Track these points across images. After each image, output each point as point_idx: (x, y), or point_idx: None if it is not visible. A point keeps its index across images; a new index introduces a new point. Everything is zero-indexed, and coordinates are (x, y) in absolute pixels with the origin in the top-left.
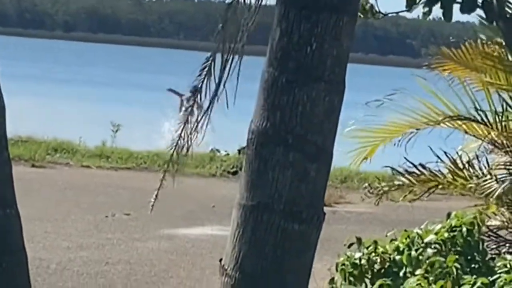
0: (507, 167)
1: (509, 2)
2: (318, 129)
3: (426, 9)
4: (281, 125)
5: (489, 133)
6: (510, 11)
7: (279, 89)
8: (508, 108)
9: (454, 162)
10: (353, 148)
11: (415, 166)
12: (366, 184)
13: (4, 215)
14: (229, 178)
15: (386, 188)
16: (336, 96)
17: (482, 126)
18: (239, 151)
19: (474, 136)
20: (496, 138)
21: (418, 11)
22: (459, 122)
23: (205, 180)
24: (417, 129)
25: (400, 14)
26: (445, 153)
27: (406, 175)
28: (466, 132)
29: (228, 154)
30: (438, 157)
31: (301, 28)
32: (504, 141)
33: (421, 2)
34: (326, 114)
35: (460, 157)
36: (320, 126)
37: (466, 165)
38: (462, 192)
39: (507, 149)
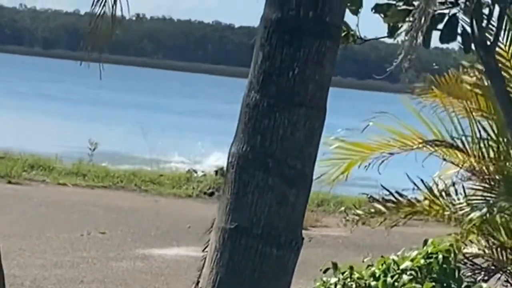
0: (484, 194)
1: (490, 30)
2: (298, 153)
3: (408, 37)
4: (261, 149)
5: (467, 160)
6: (490, 39)
7: (260, 113)
8: (487, 135)
9: (430, 190)
10: (328, 158)
11: (391, 193)
12: (343, 209)
13: None
14: (206, 199)
15: (362, 215)
16: (316, 121)
17: (460, 152)
18: (216, 172)
19: (451, 162)
20: (474, 165)
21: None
22: (437, 148)
23: (182, 200)
24: (391, 153)
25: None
26: (422, 180)
27: (383, 203)
28: (444, 159)
29: (205, 175)
30: (415, 184)
31: (283, 52)
32: (482, 168)
33: (402, 29)
34: (306, 138)
35: (437, 184)
36: (300, 150)
37: (443, 193)
38: (439, 219)
39: (485, 176)
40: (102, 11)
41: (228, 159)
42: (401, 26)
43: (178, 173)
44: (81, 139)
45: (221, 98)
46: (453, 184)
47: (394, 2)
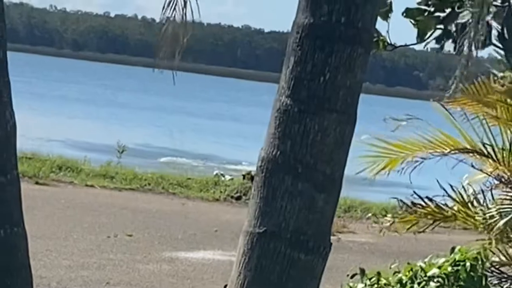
0: None
1: None
2: (328, 159)
3: (438, 45)
4: (291, 154)
5: (497, 168)
6: None
7: (290, 118)
8: None
9: (460, 196)
10: (364, 155)
11: (421, 198)
12: (370, 215)
13: (11, 233)
14: (233, 203)
15: (391, 221)
16: (347, 126)
17: (490, 160)
18: (243, 176)
19: (481, 170)
20: (503, 173)
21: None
22: (468, 155)
23: (209, 204)
24: (423, 158)
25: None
26: (451, 186)
27: (412, 207)
28: (473, 166)
29: (232, 179)
30: (444, 189)
31: (315, 57)
32: (510, 177)
33: (432, 36)
34: (336, 144)
35: (466, 190)
36: (330, 156)
37: (472, 199)
38: (466, 226)
39: None
40: (173, 16)
41: (258, 163)
42: (432, 32)
43: (206, 177)
44: (110, 141)
45: (250, 102)
46: (482, 191)
47: (425, 8)
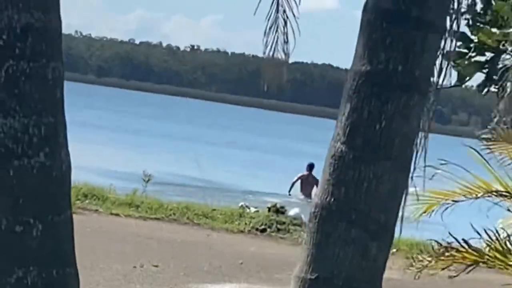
0: None
1: None
2: (382, 206)
3: (483, 88)
4: (345, 201)
5: None
6: None
7: (345, 165)
8: None
9: (495, 241)
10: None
11: (457, 240)
12: (395, 250)
13: (64, 273)
14: (257, 235)
15: (428, 260)
16: (401, 174)
17: None
18: (268, 209)
19: None
20: None
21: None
22: (502, 198)
23: (234, 235)
24: (454, 201)
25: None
26: (485, 230)
27: (449, 250)
28: (509, 210)
29: (257, 211)
30: (478, 233)
31: (371, 105)
32: None
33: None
34: (390, 192)
35: (500, 234)
36: (384, 204)
37: (507, 242)
38: (503, 268)
39: None
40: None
41: (311, 209)
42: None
43: (231, 208)
44: (135, 168)
45: (273, 132)
46: None
47: (465, 51)
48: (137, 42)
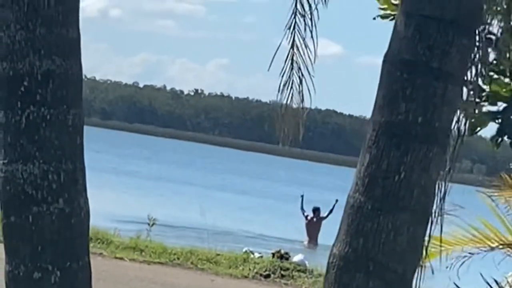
0: None
1: None
2: (400, 258)
3: (497, 140)
4: (363, 252)
5: None
6: None
7: (363, 215)
8: None
9: None
10: None
11: None
12: None
13: None
14: (261, 281)
15: None
16: (420, 226)
17: None
18: (273, 254)
19: None
20: None
21: None
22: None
23: (238, 281)
24: (471, 253)
25: None
26: (495, 281)
27: None
28: None
29: (261, 257)
30: (488, 283)
31: (390, 155)
32: None
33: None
34: (409, 243)
35: (510, 285)
36: (402, 255)
37: None
38: None
39: None
40: (290, 99)
41: (329, 259)
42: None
43: (235, 253)
44: (139, 212)
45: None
46: None
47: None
48: (141, 85)
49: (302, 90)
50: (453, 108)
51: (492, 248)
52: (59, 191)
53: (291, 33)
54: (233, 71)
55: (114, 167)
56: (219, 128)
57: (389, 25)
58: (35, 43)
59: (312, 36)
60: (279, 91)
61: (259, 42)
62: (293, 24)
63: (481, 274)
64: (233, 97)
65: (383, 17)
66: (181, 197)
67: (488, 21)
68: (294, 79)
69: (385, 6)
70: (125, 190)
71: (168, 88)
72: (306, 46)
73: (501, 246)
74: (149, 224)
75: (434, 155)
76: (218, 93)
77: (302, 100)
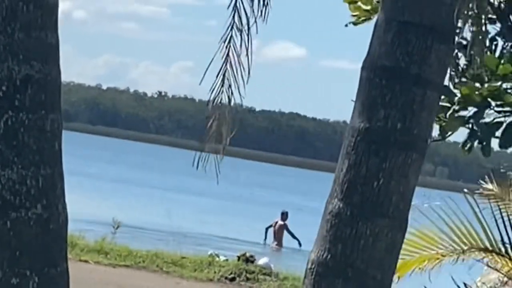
0: None
1: None
2: (378, 264)
3: (467, 145)
4: (342, 258)
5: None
6: None
7: (342, 221)
8: None
9: None
10: None
11: None
12: None
13: None
14: (227, 284)
15: None
16: (398, 232)
17: (504, 259)
18: (238, 257)
19: (495, 269)
20: None
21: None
22: (485, 254)
23: (203, 284)
24: (443, 255)
25: None
26: (465, 284)
27: None
28: (488, 265)
29: (227, 260)
30: (459, 287)
31: (369, 162)
32: None
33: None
34: (387, 249)
35: None
36: (380, 261)
37: None
38: None
39: None
40: (217, 103)
41: (308, 265)
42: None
43: (200, 256)
44: (104, 215)
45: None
46: None
47: (447, 105)
48: (104, 87)
49: (230, 105)
50: (432, 114)
51: (463, 252)
52: (37, 196)
53: (226, 47)
54: (197, 74)
55: (74, 169)
56: (182, 131)
57: (356, 29)
58: (14, 47)
59: (247, 54)
60: (208, 104)
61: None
62: (228, 38)
63: (452, 278)
64: (197, 100)
65: (355, 23)
66: (144, 200)
67: (460, 25)
68: (224, 95)
69: (357, 13)
70: (84, 192)
71: (131, 90)
72: (240, 63)
73: (472, 250)
74: (114, 227)
75: (413, 162)
76: (182, 96)
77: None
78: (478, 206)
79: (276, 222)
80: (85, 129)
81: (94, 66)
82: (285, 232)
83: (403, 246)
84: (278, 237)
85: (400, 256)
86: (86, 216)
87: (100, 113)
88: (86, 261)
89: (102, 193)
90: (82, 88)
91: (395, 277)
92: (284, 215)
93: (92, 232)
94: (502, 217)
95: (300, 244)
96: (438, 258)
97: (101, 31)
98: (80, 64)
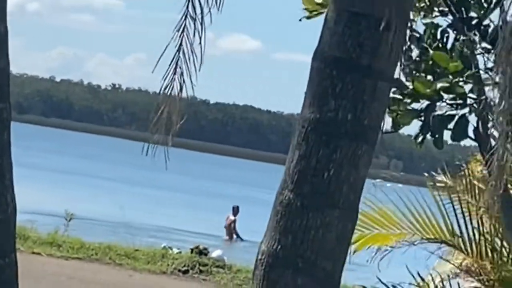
0: None
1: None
2: (328, 255)
3: (420, 138)
4: (292, 249)
5: (465, 258)
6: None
7: (292, 212)
8: (488, 233)
9: (426, 285)
10: None
11: (387, 286)
12: None
13: None
14: (180, 276)
15: None
16: (348, 223)
17: (457, 250)
18: (191, 250)
19: (447, 261)
20: (471, 264)
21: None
22: (438, 244)
23: (156, 276)
24: (392, 247)
25: None
26: (419, 273)
27: None
28: (441, 257)
29: (180, 252)
30: (413, 276)
31: (319, 153)
32: (479, 268)
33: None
34: (337, 240)
35: (433, 279)
36: (331, 252)
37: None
38: None
39: (480, 277)
40: (169, 94)
41: (258, 256)
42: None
43: (153, 249)
44: (57, 207)
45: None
46: (448, 279)
47: (399, 97)
48: (57, 79)
49: (181, 94)
50: (383, 105)
51: (414, 242)
52: None
53: (180, 36)
54: (151, 66)
55: (24, 160)
56: (136, 123)
57: (310, 23)
58: None
59: (200, 42)
60: (160, 93)
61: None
62: (182, 27)
63: (406, 266)
64: (151, 92)
65: (308, 17)
66: (97, 192)
67: (412, 17)
68: (176, 84)
69: (309, 7)
70: (36, 184)
71: (85, 82)
72: (193, 51)
73: (428, 240)
74: (66, 219)
75: (363, 153)
76: (136, 88)
77: (181, 94)
78: (441, 199)
79: (228, 217)
80: (39, 121)
81: (48, 59)
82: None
83: (361, 219)
84: (229, 232)
85: (358, 228)
86: (38, 208)
87: (54, 105)
88: (38, 254)
89: (54, 185)
90: (36, 80)
91: (351, 248)
92: (235, 209)
93: (44, 224)
94: (454, 209)
95: (241, 240)
96: (393, 240)
97: (55, 24)
98: (34, 57)
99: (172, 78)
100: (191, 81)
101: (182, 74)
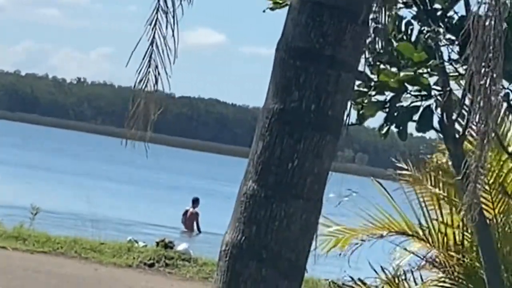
0: (442, 284)
1: (460, 123)
2: (293, 245)
3: (384, 129)
4: (256, 239)
5: (429, 249)
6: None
7: (256, 203)
8: (452, 225)
9: (391, 278)
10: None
11: (353, 280)
12: None
13: None
14: (146, 270)
15: None
16: (313, 214)
17: (422, 242)
18: (157, 243)
19: (412, 253)
20: (436, 255)
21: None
22: (403, 237)
23: (122, 270)
24: (362, 240)
25: None
26: (382, 267)
27: None
28: (405, 249)
29: (146, 246)
30: (375, 271)
31: (283, 143)
32: (442, 259)
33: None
34: (302, 231)
35: (397, 271)
36: (295, 243)
37: (402, 280)
38: None
39: (445, 268)
40: (144, 88)
41: (222, 247)
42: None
43: (119, 242)
44: (22, 201)
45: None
46: (411, 272)
47: (364, 90)
48: (23, 73)
49: (157, 87)
50: (347, 96)
51: (382, 236)
52: None
53: (152, 30)
54: (117, 60)
55: None
56: (102, 117)
57: (274, 15)
58: None
59: (173, 35)
60: (134, 87)
61: (143, 31)
62: (154, 20)
63: (368, 262)
64: (117, 86)
65: (272, 8)
66: (62, 186)
67: (376, 9)
68: (151, 77)
69: None
70: (6, 179)
71: (50, 76)
72: (166, 44)
73: (391, 234)
74: (32, 213)
75: (327, 143)
76: (101, 82)
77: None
78: (404, 192)
79: (187, 210)
80: (4, 116)
81: (13, 53)
82: (196, 219)
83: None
84: (189, 225)
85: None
86: (3, 202)
87: (19, 99)
88: (3, 248)
89: (20, 179)
90: (0, 75)
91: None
92: (196, 202)
93: (9, 218)
94: (419, 201)
95: (200, 232)
96: (360, 234)
97: (20, 18)
98: None
99: (146, 72)
100: (166, 72)
101: (156, 67)
